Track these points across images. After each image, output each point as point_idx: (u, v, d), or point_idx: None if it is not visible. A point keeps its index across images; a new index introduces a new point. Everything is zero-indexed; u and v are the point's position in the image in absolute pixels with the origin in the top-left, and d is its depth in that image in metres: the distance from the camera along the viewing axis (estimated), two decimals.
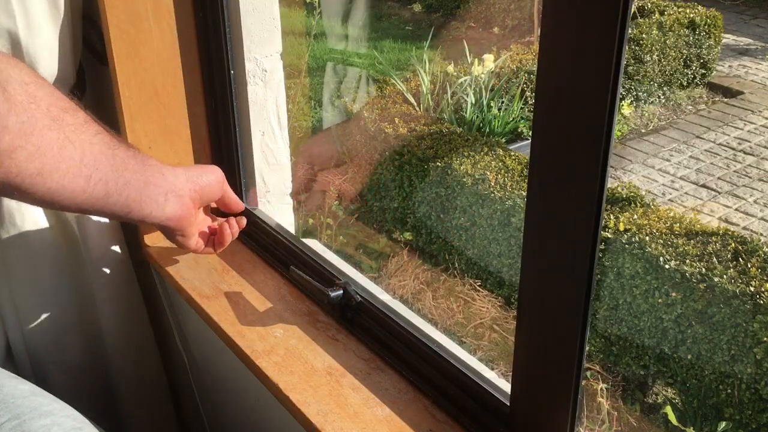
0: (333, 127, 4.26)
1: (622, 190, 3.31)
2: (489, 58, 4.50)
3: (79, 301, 1.21)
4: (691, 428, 2.74)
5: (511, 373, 0.82)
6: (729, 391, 2.71)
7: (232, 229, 1.03)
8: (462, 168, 3.50)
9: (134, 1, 1.05)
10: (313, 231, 3.82)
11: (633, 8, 0.56)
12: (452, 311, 3.44)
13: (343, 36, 5.99)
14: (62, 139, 0.70)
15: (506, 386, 0.88)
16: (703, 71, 5.53)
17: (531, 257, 0.68)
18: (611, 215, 3.05)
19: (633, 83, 5.13)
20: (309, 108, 5.26)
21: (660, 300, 2.82)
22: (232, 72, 1.16)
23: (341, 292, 0.98)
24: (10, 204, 1.08)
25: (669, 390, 2.94)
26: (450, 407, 0.86)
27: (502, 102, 4.46)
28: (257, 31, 1.17)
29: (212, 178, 0.95)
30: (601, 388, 2.85)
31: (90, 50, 1.17)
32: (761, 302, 2.59)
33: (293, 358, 0.95)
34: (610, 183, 3.55)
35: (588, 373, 2.98)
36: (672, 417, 2.72)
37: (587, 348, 0.72)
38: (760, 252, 2.78)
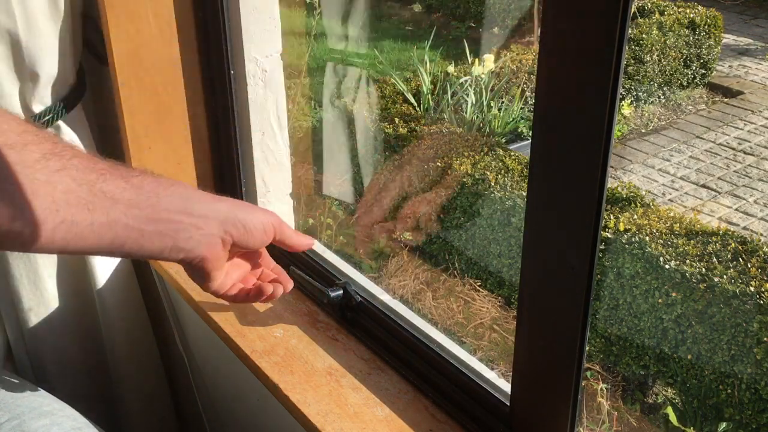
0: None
1: (622, 190, 3.31)
2: (489, 58, 4.50)
3: (79, 302, 1.21)
4: (691, 428, 2.74)
5: (511, 373, 0.82)
6: (729, 391, 2.71)
7: (275, 291, 0.85)
8: (462, 168, 3.51)
9: (134, 1, 1.05)
10: (313, 231, 3.82)
11: (633, 8, 0.56)
12: (452, 311, 3.44)
13: (344, 36, 5.99)
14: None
15: (506, 386, 0.88)
16: (703, 71, 5.53)
17: (531, 257, 0.68)
18: (611, 215, 3.05)
19: (633, 83, 5.13)
20: (309, 108, 5.26)
21: (660, 300, 2.82)
22: (232, 72, 1.16)
23: (341, 292, 0.98)
24: None
25: (669, 390, 2.94)
26: (450, 407, 0.86)
27: (502, 102, 4.46)
28: (257, 31, 1.17)
29: (257, 223, 0.77)
30: (601, 388, 2.85)
31: (90, 50, 1.17)
32: (761, 302, 2.59)
33: (293, 358, 0.95)
34: (610, 183, 3.55)
35: (588, 373, 2.98)
36: (673, 417, 2.72)
37: (587, 348, 0.72)
38: (760, 252, 2.78)
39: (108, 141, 1.26)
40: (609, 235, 2.96)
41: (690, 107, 5.39)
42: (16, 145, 0.58)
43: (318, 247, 1.21)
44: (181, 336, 1.30)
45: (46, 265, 1.14)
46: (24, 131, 0.59)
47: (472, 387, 0.85)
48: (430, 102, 4.45)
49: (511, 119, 4.41)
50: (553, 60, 0.59)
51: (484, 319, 3.38)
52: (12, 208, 0.57)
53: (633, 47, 5.02)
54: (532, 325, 0.71)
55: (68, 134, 1.10)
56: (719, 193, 4.26)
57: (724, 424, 2.71)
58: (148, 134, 1.14)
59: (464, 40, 5.14)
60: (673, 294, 2.77)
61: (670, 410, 2.75)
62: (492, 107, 4.40)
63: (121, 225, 0.64)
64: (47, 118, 1.07)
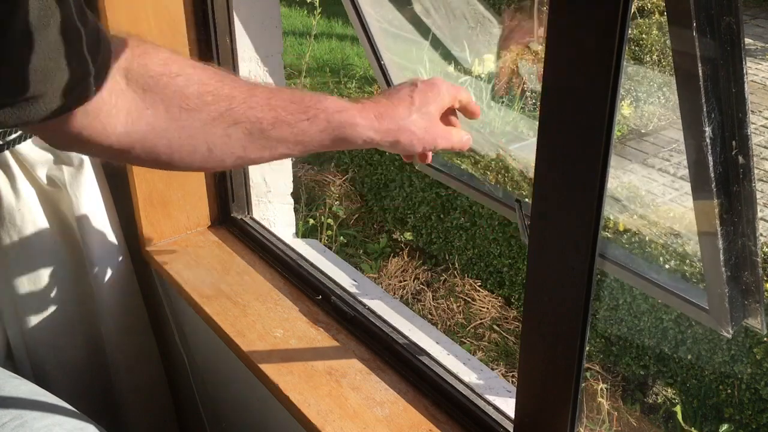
0: None
1: (622, 190, 3.31)
2: (489, 58, 4.49)
3: (79, 301, 1.21)
4: (693, 428, 2.74)
5: (510, 374, 0.82)
6: (729, 391, 2.71)
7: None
8: (462, 168, 3.51)
9: (134, 1, 1.05)
10: (314, 231, 3.82)
11: (633, 8, 0.56)
12: (452, 311, 3.44)
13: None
14: (187, 134, 0.71)
15: (508, 386, 0.88)
16: None
17: (536, 259, 0.68)
18: (611, 215, 3.05)
19: (633, 83, 5.13)
20: None
21: (660, 300, 2.82)
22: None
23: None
24: (10, 204, 1.08)
25: (669, 390, 2.94)
26: (450, 407, 0.86)
27: (502, 102, 4.46)
28: (258, 31, 1.17)
29: (436, 108, 0.81)
30: (601, 388, 2.85)
31: None
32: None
33: (293, 358, 0.95)
34: (610, 183, 3.54)
35: (588, 374, 2.98)
36: (680, 416, 2.72)
37: (587, 348, 0.72)
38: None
39: None
40: (609, 235, 2.95)
41: None
42: (198, 107, 0.71)
43: (318, 246, 1.22)
44: (181, 336, 1.30)
45: (46, 265, 1.14)
46: (204, 92, 0.72)
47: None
48: None
49: (511, 119, 4.41)
50: (556, 62, 0.59)
51: (484, 320, 3.38)
52: (200, 154, 0.73)
53: (633, 47, 5.02)
54: (533, 326, 0.71)
55: None
56: None
57: (725, 426, 2.71)
58: None
59: (464, 40, 5.13)
60: None
61: (678, 409, 2.75)
62: (492, 107, 4.40)
63: (295, 152, 0.78)
64: None
